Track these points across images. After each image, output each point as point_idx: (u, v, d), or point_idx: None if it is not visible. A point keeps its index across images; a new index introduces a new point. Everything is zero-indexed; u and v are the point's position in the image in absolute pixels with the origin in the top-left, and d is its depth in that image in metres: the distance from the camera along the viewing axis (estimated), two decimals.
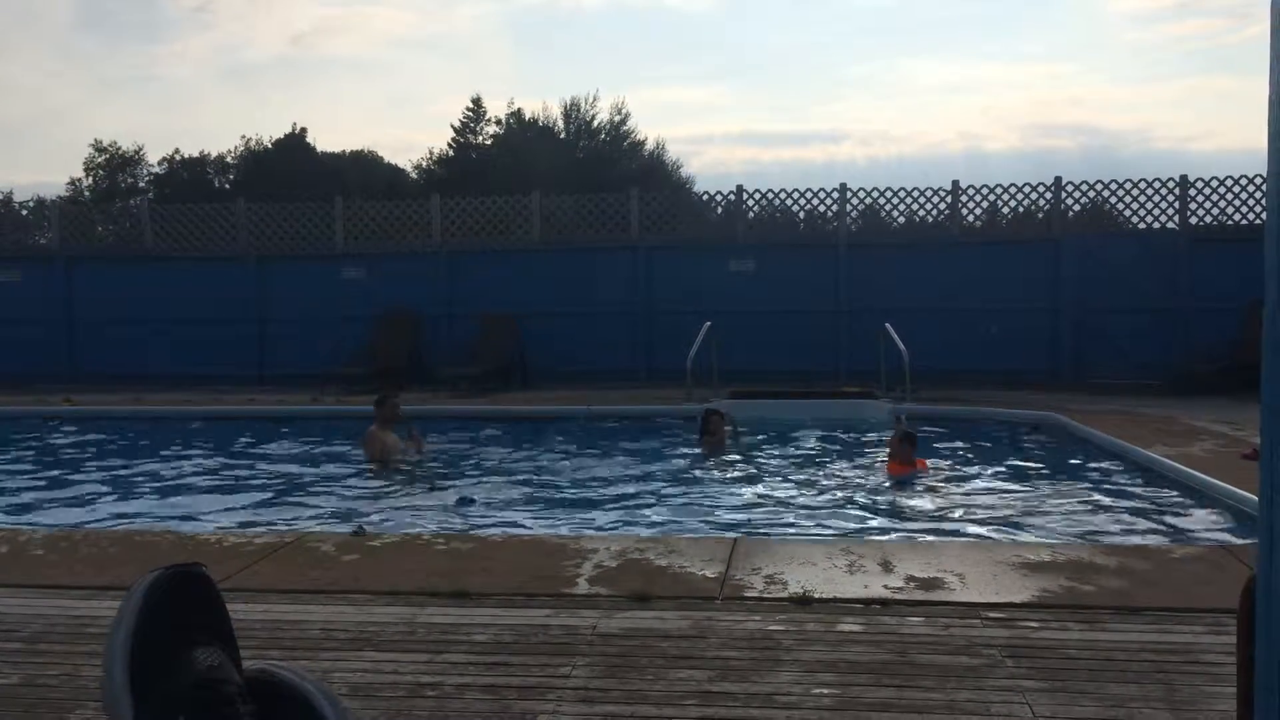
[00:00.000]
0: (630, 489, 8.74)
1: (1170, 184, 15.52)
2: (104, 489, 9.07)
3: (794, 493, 8.48)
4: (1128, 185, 15.65)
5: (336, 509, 8.06)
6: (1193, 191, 15.42)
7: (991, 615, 4.44)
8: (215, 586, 2.10)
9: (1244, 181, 15.28)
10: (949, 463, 9.70)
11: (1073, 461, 9.73)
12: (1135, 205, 15.72)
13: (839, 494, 8.42)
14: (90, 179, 43.34)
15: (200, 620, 2.01)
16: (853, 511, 7.81)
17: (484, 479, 9.22)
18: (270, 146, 42.79)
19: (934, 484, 8.70)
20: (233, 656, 2.01)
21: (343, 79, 61.74)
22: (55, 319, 17.17)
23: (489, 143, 44.49)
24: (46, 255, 17.68)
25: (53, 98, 59.58)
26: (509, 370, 15.22)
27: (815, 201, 16.65)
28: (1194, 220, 15.47)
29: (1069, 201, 16.09)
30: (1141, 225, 15.75)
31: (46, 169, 64.99)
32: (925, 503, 8.09)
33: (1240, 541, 6.01)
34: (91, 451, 11.07)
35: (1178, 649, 4.02)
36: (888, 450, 9.27)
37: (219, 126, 68.46)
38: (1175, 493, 7.95)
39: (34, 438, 11.90)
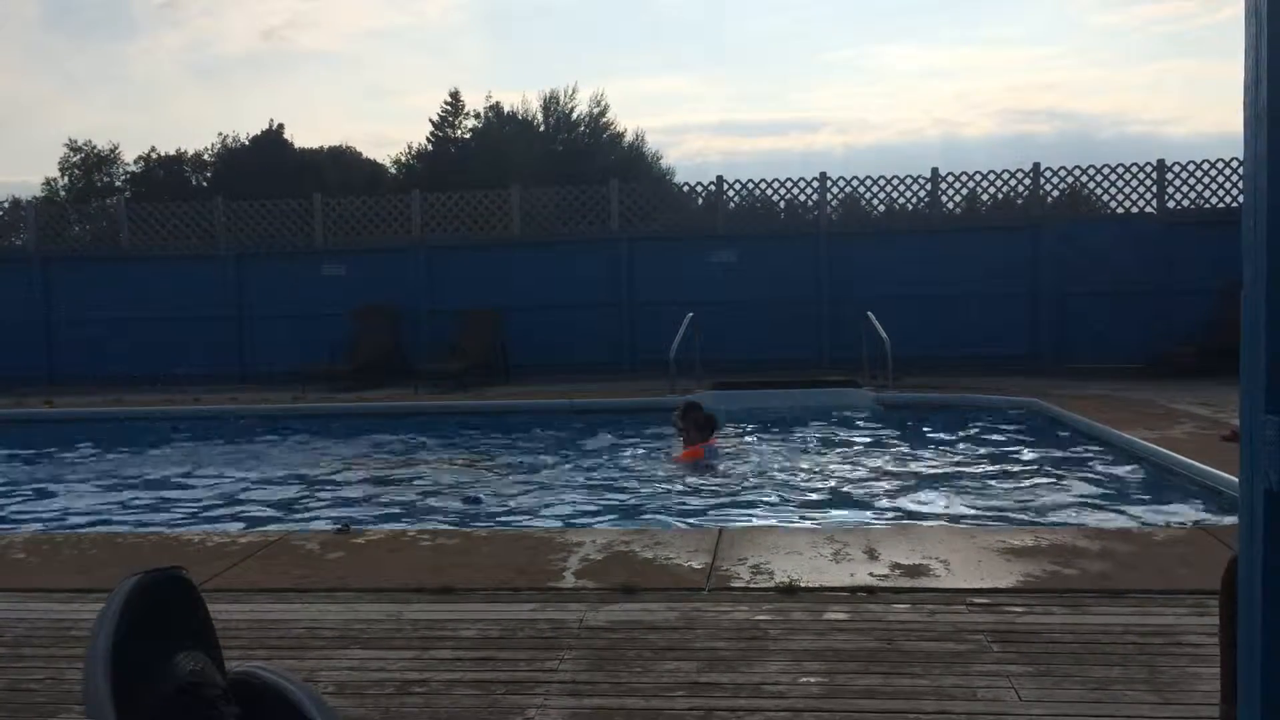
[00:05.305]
0: (614, 482, 8.73)
1: (1148, 168, 15.60)
2: (85, 491, 8.99)
3: (778, 482, 8.49)
4: (1105, 170, 15.72)
5: (320, 507, 8.03)
6: (1170, 175, 15.51)
7: (977, 601, 4.46)
8: (196, 589, 2.08)
9: (1220, 165, 15.38)
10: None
11: (1054, 446, 9.77)
12: (1113, 190, 15.81)
13: (822, 482, 8.44)
14: (66, 178, 43.04)
15: (182, 624, 1.99)
16: (838, 499, 7.83)
17: (470, 474, 9.20)
18: (247, 143, 42.56)
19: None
20: (215, 659, 2.00)
21: (318, 74, 61.52)
22: (31, 320, 16.99)
23: (468, 136, 44.34)
24: (22, 256, 17.50)
25: (25, 97, 59.09)
26: (490, 365, 15.16)
27: (795, 191, 16.66)
28: (1171, 204, 15.57)
29: (1047, 187, 16.15)
30: (1120, 210, 15.84)
31: (21, 169, 64.49)
32: (912, 489, 8.11)
33: (1221, 523, 6.05)
34: (72, 453, 10.97)
35: (1161, 631, 4.05)
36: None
37: (195, 124, 68.12)
38: (1156, 476, 8.00)
39: (17, 440, 11.78)
